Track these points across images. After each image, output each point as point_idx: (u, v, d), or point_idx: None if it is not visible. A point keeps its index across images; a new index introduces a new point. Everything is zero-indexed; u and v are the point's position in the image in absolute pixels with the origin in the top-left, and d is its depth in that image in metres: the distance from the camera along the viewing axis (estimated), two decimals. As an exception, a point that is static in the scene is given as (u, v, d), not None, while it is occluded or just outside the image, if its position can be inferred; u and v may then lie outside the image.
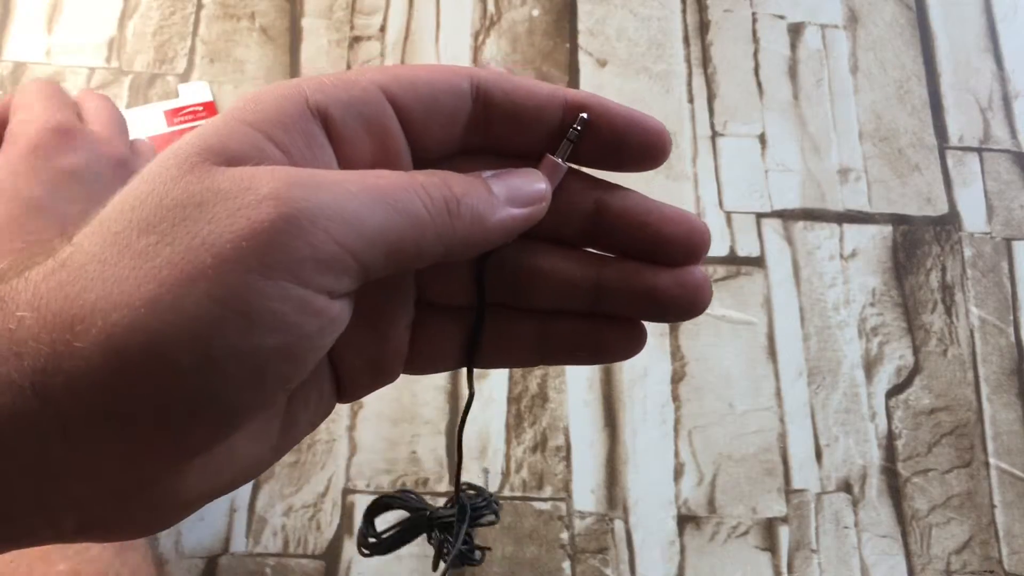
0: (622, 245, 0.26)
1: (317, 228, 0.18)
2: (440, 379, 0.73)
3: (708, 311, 0.78)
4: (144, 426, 0.18)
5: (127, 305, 0.17)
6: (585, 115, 0.23)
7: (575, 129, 0.23)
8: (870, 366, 0.77)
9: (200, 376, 0.18)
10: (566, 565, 0.69)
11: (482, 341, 0.26)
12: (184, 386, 0.18)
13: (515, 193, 0.22)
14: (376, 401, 0.72)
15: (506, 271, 0.25)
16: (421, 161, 0.23)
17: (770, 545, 0.71)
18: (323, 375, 0.25)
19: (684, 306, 0.26)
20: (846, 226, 0.82)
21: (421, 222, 0.20)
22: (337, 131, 0.21)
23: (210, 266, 0.18)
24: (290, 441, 0.24)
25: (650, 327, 0.78)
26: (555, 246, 0.26)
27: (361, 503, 0.70)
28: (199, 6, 0.85)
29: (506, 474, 0.71)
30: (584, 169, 0.26)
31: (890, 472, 0.74)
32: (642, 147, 0.24)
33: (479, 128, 0.24)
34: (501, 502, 0.70)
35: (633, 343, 0.27)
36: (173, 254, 0.18)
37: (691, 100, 0.86)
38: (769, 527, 0.72)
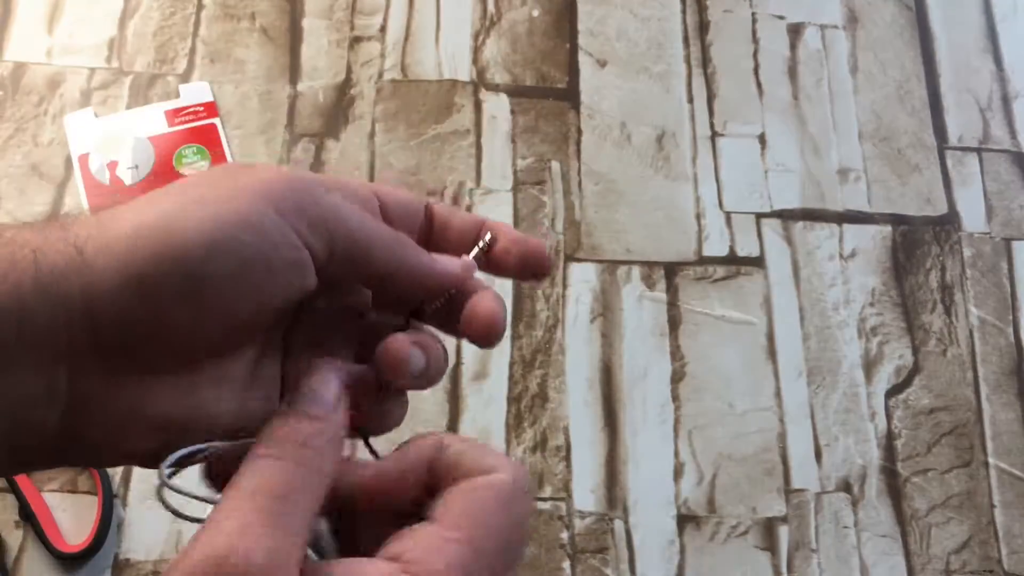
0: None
1: (313, 197, 0.26)
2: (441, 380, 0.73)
3: (707, 311, 0.78)
4: (155, 289, 0.24)
5: (157, 210, 0.24)
6: (489, 234, 0.33)
7: (485, 241, 0.33)
8: (870, 366, 0.77)
9: (204, 256, 0.24)
10: (566, 565, 0.69)
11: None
12: (190, 261, 0.24)
13: (446, 259, 0.31)
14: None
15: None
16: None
17: (770, 545, 0.71)
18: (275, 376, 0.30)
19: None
20: (846, 226, 0.82)
21: (382, 239, 0.28)
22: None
23: (235, 194, 0.25)
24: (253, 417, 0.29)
25: (651, 327, 0.78)
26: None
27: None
28: (199, 6, 0.85)
29: (506, 474, 0.71)
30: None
31: (890, 472, 0.74)
32: (526, 263, 0.32)
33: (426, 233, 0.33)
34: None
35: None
36: (210, 189, 0.25)
37: (691, 100, 0.86)
38: (769, 527, 0.72)
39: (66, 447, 0.25)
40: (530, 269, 0.33)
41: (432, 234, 0.33)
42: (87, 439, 0.25)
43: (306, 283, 0.27)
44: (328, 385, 0.27)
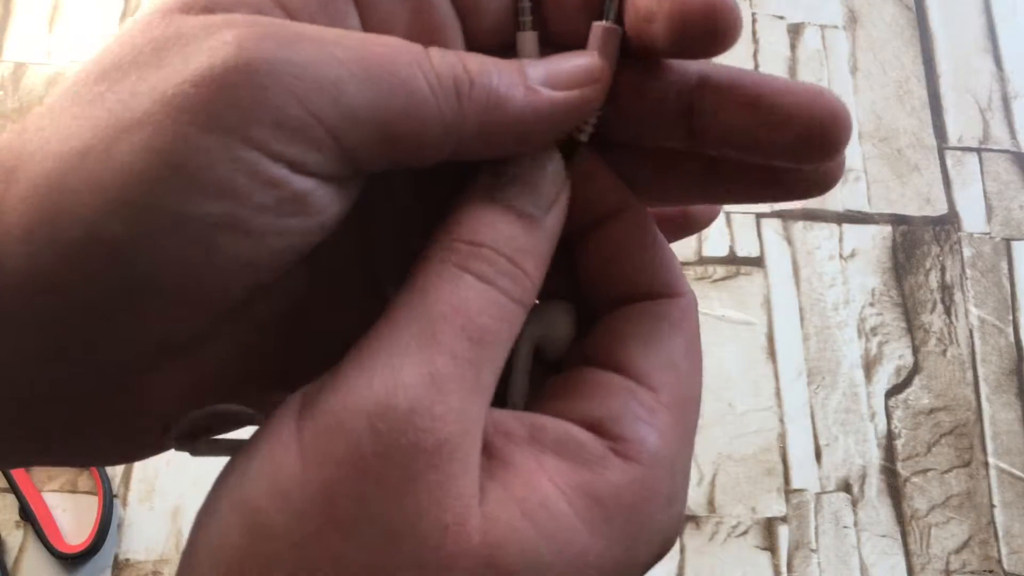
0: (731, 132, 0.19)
1: (280, 86, 0.15)
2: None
3: (707, 311, 0.78)
4: (75, 301, 0.16)
5: (57, 155, 0.16)
6: None
7: None
8: (869, 366, 0.77)
9: (132, 246, 0.15)
10: (566, 565, 0.69)
11: None
12: (114, 257, 0.15)
13: (553, 71, 0.18)
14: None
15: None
16: (475, 48, 0.19)
17: (770, 545, 0.71)
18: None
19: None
20: (846, 226, 0.82)
21: (422, 103, 0.16)
22: None
23: (150, 112, 0.15)
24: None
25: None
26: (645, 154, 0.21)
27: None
28: (199, 6, 0.85)
29: (506, 474, 0.71)
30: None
31: (889, 472, 0.74)
32: (686, 27, 0.18)
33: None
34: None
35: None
36: (116, 101, 0.16)
37: (691, 100, 0.86)
38: (769, 527, 0.72)
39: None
40: (697, 36, 0.17)
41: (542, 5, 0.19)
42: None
43: (316, 216, 0.17)
44: (546, 174, 0.18)
